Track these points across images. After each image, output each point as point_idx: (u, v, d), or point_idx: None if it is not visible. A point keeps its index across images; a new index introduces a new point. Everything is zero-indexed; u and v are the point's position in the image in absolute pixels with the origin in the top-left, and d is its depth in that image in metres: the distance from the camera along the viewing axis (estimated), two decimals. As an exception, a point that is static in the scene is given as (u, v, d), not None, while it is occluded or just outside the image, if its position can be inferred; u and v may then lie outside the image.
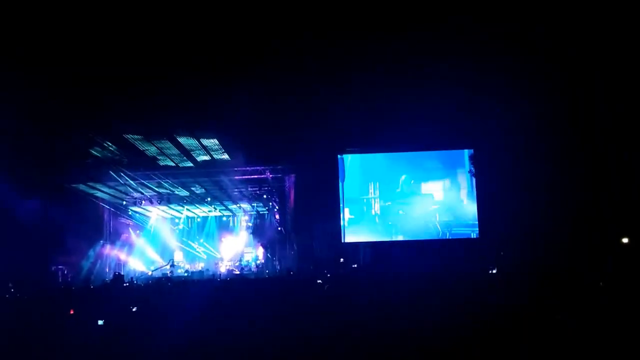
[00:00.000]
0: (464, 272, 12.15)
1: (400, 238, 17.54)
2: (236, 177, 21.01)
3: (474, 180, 17.29)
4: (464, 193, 17.63)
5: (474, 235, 17.15)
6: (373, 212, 17.90)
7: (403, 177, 17.76)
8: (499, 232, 15.91)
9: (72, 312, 9.33)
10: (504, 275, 12.29)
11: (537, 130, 14.69)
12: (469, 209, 17.39)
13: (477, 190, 17.29)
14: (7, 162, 14.74)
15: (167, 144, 17.06)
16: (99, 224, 23.49)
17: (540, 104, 14.16)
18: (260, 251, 25.60)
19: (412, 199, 17.66)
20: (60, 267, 19.81)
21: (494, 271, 13.79)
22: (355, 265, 16.32)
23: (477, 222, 17.17)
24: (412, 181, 17.74)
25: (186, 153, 18.09)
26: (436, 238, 17.28)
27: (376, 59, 13.02)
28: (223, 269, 24.29)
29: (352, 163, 18.01)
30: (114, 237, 24.84)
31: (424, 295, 8.48)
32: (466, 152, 17.61)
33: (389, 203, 17.81)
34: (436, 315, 7.33)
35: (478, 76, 13.48)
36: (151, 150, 17.70)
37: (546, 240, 14.48)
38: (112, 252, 24.37)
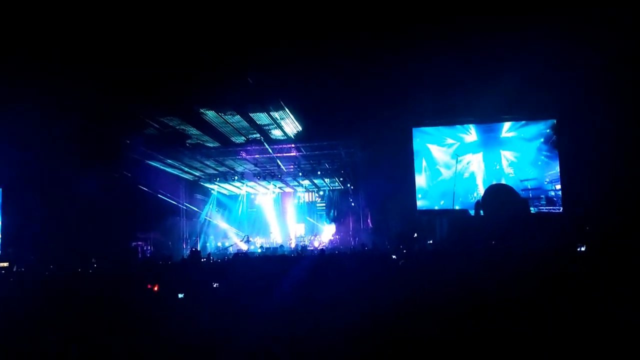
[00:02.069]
0: (552, 249, 11.25)
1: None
2: (308, 153, 20.84)
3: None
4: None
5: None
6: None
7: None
8: (585, 206, 14.91)
9: (156, 288, 9.38)
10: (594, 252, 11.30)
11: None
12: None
13: (560, 163, 16.26)
14: (72, 144, 14.99)
15: (236, 118, 16.91)
16: (175, 201, 23.86)
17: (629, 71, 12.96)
18: (333, 227, 25.47)
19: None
20: (139, 243, 20.34)
21: (583, 249, 12.77)
22: (431, 242, 15.76)
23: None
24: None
25: (257, 128, 17.94)
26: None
27: (448, 29, 12.28)
28: (293, 244, 24.35)
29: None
30: (190, 213, 25.28)
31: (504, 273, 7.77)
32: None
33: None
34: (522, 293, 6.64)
35: (560, 42, 12.45)
36: (220, 125, 17.59)
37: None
38: (188, 228, 24.82)
